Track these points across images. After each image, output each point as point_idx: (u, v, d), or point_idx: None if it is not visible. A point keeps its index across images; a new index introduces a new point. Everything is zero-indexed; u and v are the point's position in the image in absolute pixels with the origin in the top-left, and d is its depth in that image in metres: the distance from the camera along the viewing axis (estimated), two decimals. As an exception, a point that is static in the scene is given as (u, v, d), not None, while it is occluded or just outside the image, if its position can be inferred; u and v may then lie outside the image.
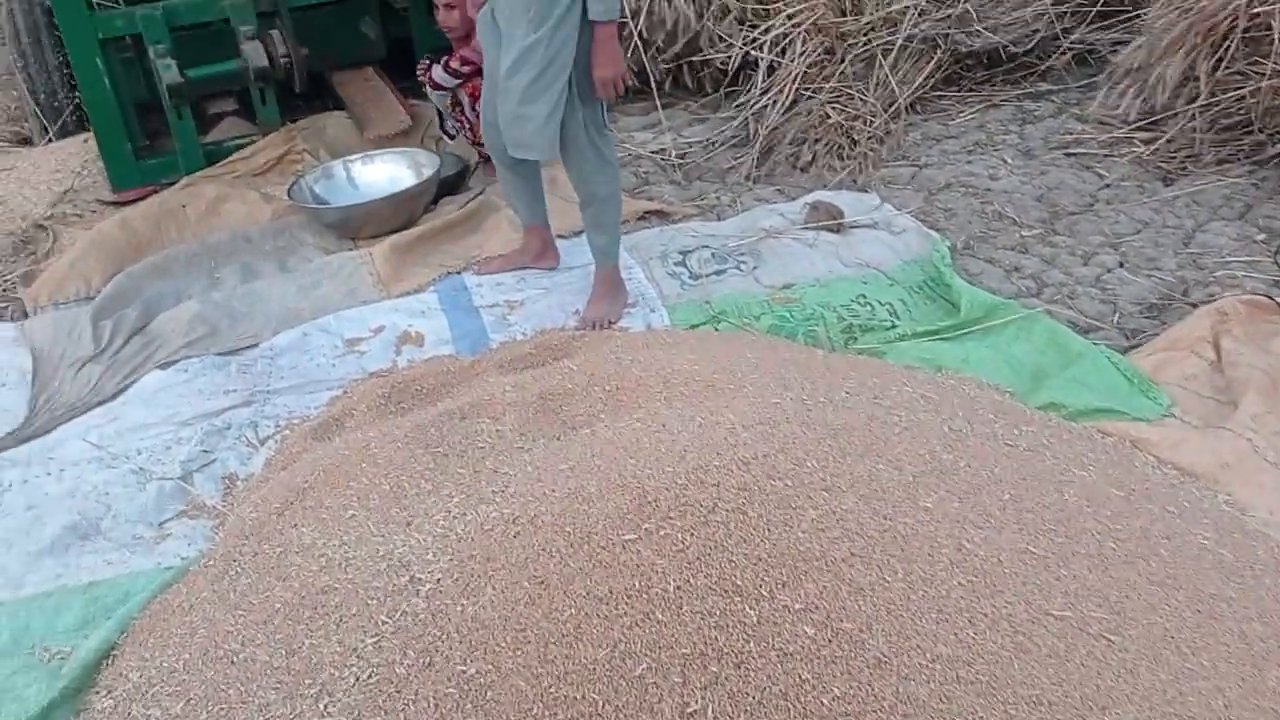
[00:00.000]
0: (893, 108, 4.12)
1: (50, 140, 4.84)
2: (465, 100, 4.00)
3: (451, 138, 4.18)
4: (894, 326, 2.90)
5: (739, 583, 1.47)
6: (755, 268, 3.29)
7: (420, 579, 1.67)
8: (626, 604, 1.48)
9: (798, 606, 1.44)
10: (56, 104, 4.85)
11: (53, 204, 4.36)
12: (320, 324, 3.20)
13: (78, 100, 4.88)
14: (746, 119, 4.15)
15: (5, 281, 3.78)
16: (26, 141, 5.16)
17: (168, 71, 3.99)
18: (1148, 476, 2.14)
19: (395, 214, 3.72)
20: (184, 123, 4.20)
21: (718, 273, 3.27)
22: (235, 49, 4.17)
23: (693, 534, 1.53)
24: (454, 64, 3.90)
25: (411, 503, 1.95)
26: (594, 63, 2.77)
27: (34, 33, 4.76)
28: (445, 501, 1.89)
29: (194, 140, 4.25)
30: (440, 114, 4.19)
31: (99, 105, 4.12)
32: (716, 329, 2.93)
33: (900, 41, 4.22)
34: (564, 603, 1.50)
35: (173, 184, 4.23)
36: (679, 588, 1.47)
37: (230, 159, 4.27)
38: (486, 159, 4.16)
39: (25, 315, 3.51)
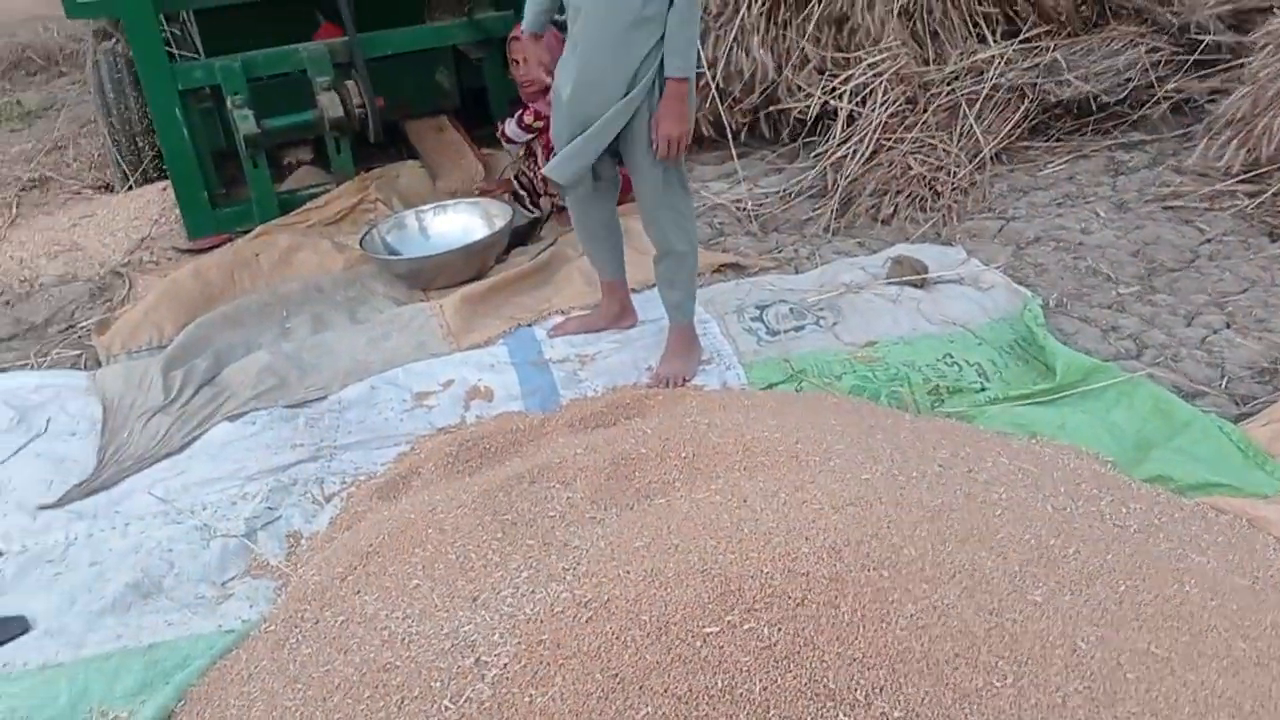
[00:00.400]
0: (977, 158, 3.99)
1: (130, 187, 4.91)
2: (539, 153, 3.96)
3: (522, 201, 4.10)
4: (983, 389, 2.75)
5: (831, 685, 1.35)
6: (835, 324, 3.17)
7: (486, 662, 1.57)
8: (708, 705, 1.36)
9: (897, 715, 1.31)
10: (137, 152, 4.93)
11: (129, 251, 4.40)
12: (388, 377, 3.14)
13: (157, 149, 4.96)
14: (825, 169, 4.04)
15: (81, 329, 3.80)
16: (108, 189, 5.25)
17: (245, 122, 4.02)
18: (1271, 562, 1.97)
19: (467, 265, 3.68)
20: (259, 171, 4.22)
21: (796, 329, 3.15)
22: (311, 99, 4.19)
23: (780, 629, 1.41)
24: (527, 119, 3.87)
25: (478, 575, 1.85)
26: (659, 118, 2.70)
27: (117, 83, 4.85)
28: (514, 576, 1.79)
29: (269, 189, 4.26)
30: (519, 189, 4.13)
31: (177, 154, 4.16)
32: (797, 389, 2.81)
33: (985, 90, 4.09)
34: (639, 699, 1.39)
35: (247, 232, 4.25)
36: (765, 689, 1.35)
37: (304, 208, 4.28)
38: (560, 209, 4.12)
39: (99, 364, 3.51)
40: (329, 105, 4.10)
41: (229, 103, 4.09)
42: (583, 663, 1.46)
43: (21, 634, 2.29)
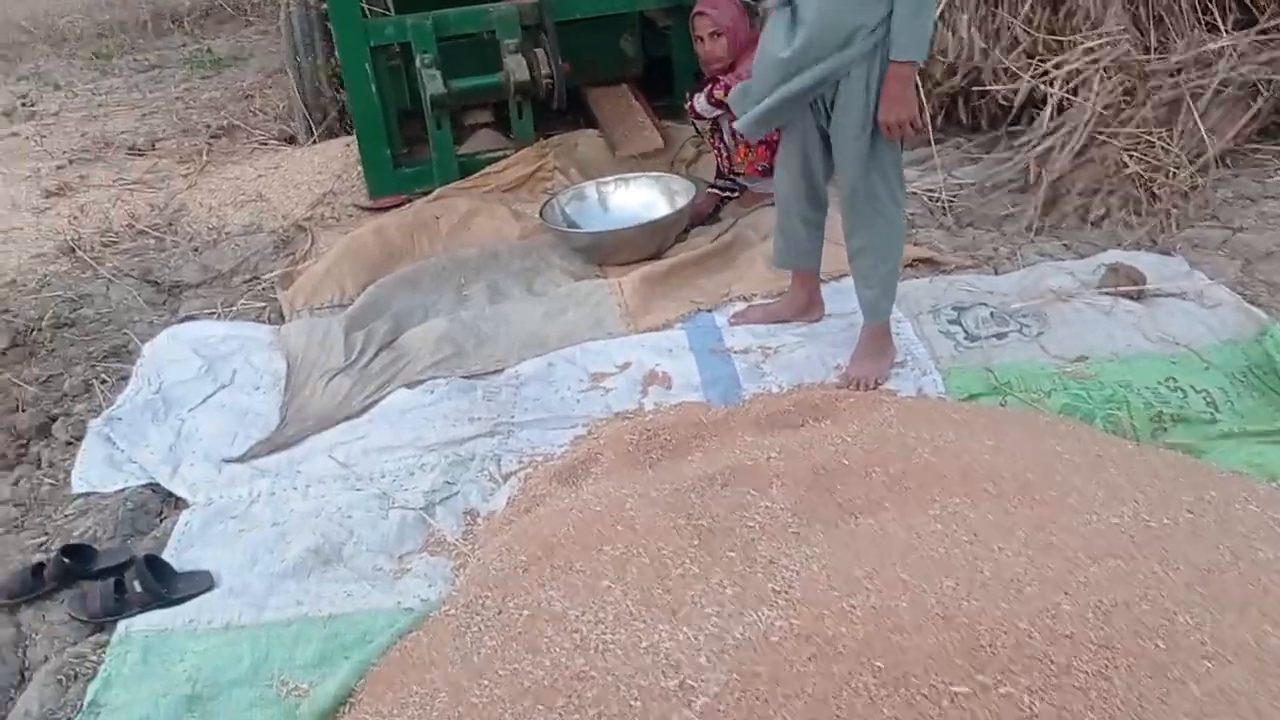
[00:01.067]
0: (1201, 160, 3.67)
1: (314, 141, 4.98)
2: (725, 128, 3.83)
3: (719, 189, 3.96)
4: (1213, 420, 2.51)
5: (1101, 771, 1.20)
6: (1040, 333, 2.95)
7: (693, 687, 1.48)
8: (955, 776, 1.23)
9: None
10: (323, 107, 4.99)
11: (312, 205, 4.46)
12: (566, 355, 3.08)
13: (342, 104, 5.01)
14: (1028, 162, 3.79)
15: (265, 281, 3.86)
16: (291, 140, 5.34)
17: (432, 81, 4.00)
18: None
19: (646, 243, 3.58)
20: (442, 133, 4.20)
21: (998, 336, 2.95)
22: (497, 61, 4.15)
23: (1042, 698, 1.27)
24: (718, 94, 3.73)
25: (676, 585, 1.76)
26: (882, 102, 2.53)
27: (308, 36, 4.91)
28: (717, 592, 1.69)
29: (450, 151, 4.25)
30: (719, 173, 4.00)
31: (364, 111, 4.17)
32: (1002, 403, 2.62)
33: (1213, 85, 3.76)
34: (873, 758, 1.27)
35: (426, 193, 4.25)
36: (1023, 766, 1.21)
37: (483, 172, 4.25)
38: (741, 190, 3.98)
39: (282, 318, 3.56)
40: (515, 68, 4.04)
41: (418, 61, 4.08)
42: (808, 706, 1.35)
43: (207, 590, 2.31)
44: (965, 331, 2.98)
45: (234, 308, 3.67)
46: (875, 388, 2.76)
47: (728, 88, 3.71)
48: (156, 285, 3.92)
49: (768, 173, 3.86)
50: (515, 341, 3.17)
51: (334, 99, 5.00)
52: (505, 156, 4.30)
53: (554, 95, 4.12)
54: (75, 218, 4.53)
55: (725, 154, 3.88)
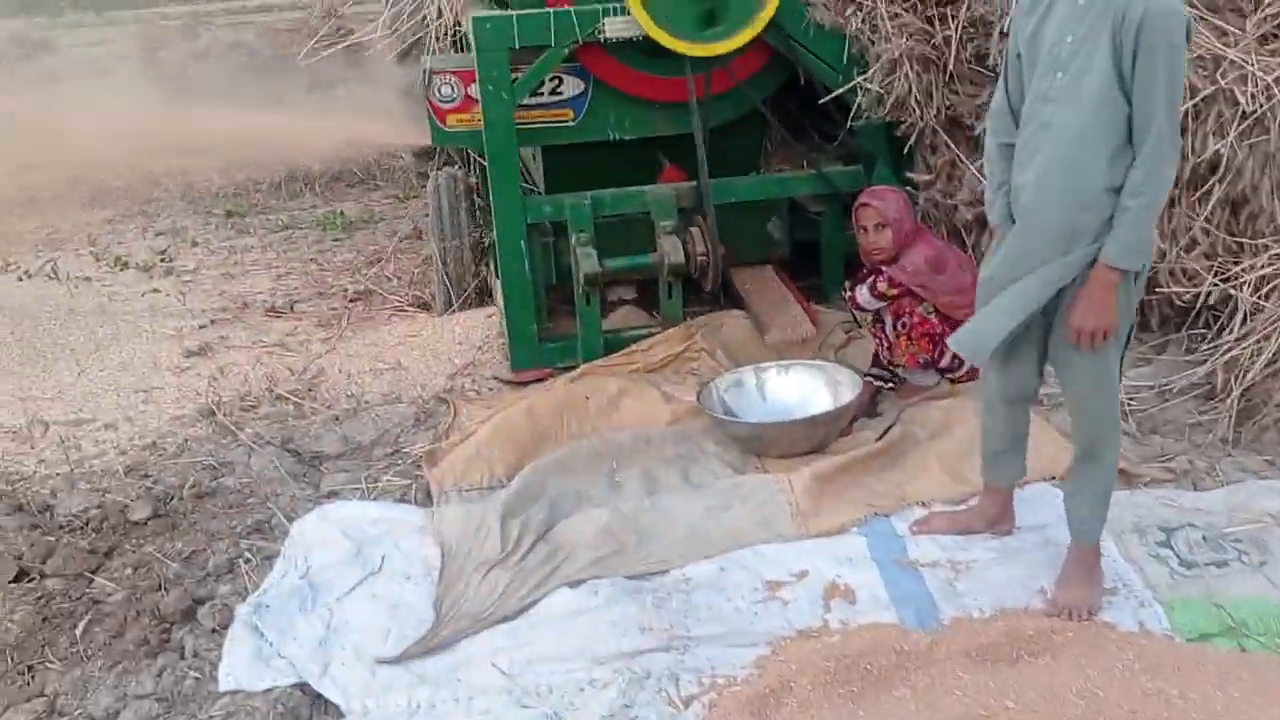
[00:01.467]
0: None
1: (453, 310, 4.96)
2: (888, 320, 3.69)
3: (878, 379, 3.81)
4: None
5: None
6: (1263, 563, 2.68)
7: None
8: None
9: None
10: (464, 277, 4.99)
11: (451, 376, 4.39)
12: (737, 558, 2.88)
13: (482, 276, 5.03)
14: (1215, 368, 3.57)
15: (408, 456, 3.76)
16: (425, 307, 5.36)
17: (588, 260, 3.96)
18: None
19: (810, 437, 3.42)
20: (591, 310, 4.15)
21: (1217, 564, 2.69)
22: (645, 240, 4.11)
23: None
24: (881, 286, 3.62)
25: None
26: (1079, 304, 2.37)
27: (455, 207, 4.96)
28: None
29: (598, 328, 4.18)
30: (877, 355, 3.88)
31: (515, 286, 4.14)
32: (1240, 647, 2.35)
33: None
34: None
35: (569, 368, 4.17)
36: None
37: (629, 350, 4.16)
38: (899, 381, 3.82)
39: (429, 496, 3.43)
40: (671, 250, 3.99)
41: (573, 239, 4.05)
42: None
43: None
44: (1178, 556, 2.73)
45: (378, 484, 3.56)
46: (1089, 618, 2.50)
47: (891, 280, 3.61)
48: (297, 455, 3.84)
49: (928, 365, 3.71)
50: (678, 539, 2.98)
51: (476, 270, 5.01)
52: (650, 335, 4.22)
53: (708, 277, 4.05)
54: (215, 379, 4.53)
55: (886, 344, 3.73)
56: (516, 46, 3.84)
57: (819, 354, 4.07)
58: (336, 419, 4.12)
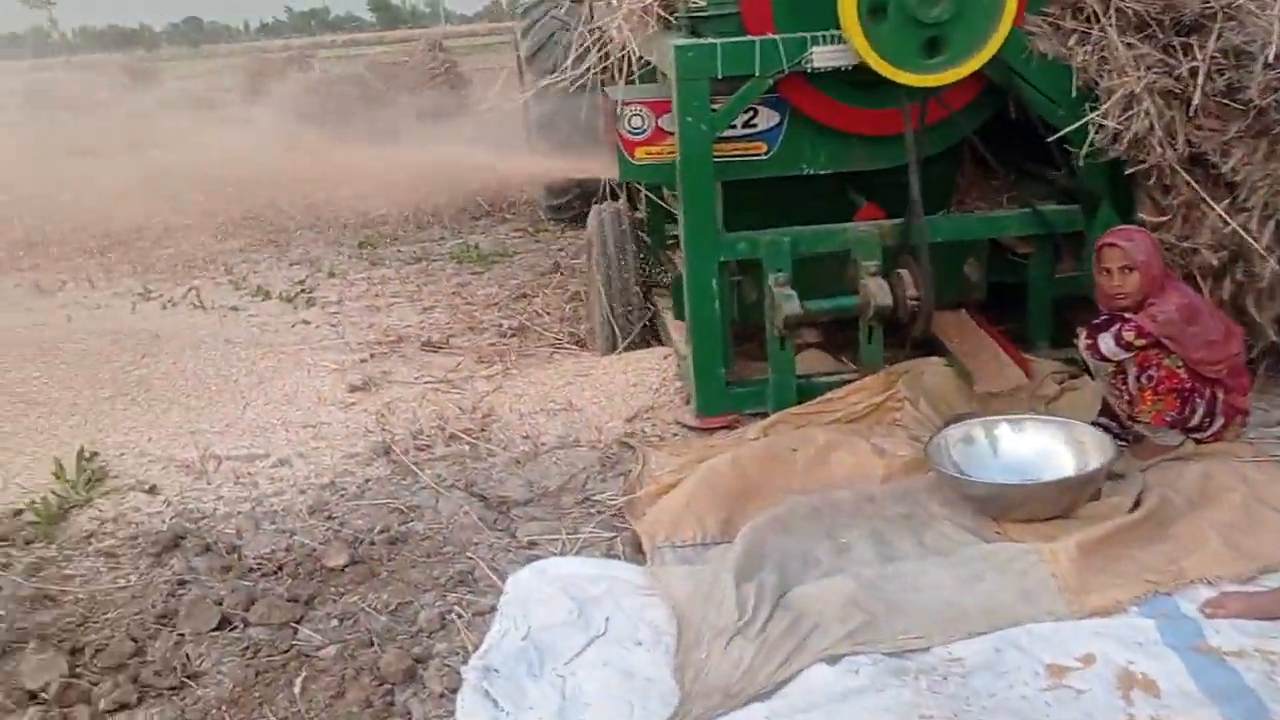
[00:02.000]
0: None
1: (619, 350, 4.76)
2: (1131, 372, 3.39)
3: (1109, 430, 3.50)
4: None
5: None
6: None
7: None
8: None
9: None
10: (629, 315, 4.80)
11: (629, 419, 4.19)
12: (1009, 637, 2.60)
13: (651, 314, 4.83)
14: None
15: (601, 505, 3.55)
16: (580, 344, 5.19)
17: (789, 302, 3.73)
18: None
19: (1057, 501, 3.12)
20: (785, 354, 3.91)
21: None
22: (836, 280, 3.88)
23: None
24: (1128, 335, 3.32)
25: None
26: None
27: (620, 242, 4.79)
28: None
29: (791, 374, 3.94)
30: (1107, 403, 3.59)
31: (705, 327, 3.93)
32: None
33: None
34: None
35: (757, 415, 3.94)
36: None
37: (825, 398, 3.91)
38: (1134, 438, 3.51)
39: (637, 550, 3.21)
40: (878, 292, 3.74)
41: (770, 280, 3.82)
42: None
43: None
44: None
45: (578, 535, 3.35)
46: None
47: (1140, 330, 3.32)
48: (484, 500, 3.65)
49: (1175, 424, 3.40)
50: (933, 612, 2.71)
51: (643, 309, 4.82)
52: (845, 382, 3.97)
53: (917, 323, 3.80)
54: (383, 415, 4.37)
55: (1127, 398, 3.43)
56: (719, 76, 3.64)
57: (1032, 406, 3.78)
58: (517, 462, 3.94)
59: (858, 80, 3.71)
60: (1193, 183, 3.57)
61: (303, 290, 6.56)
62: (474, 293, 6.30)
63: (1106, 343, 3.37)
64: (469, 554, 3.26)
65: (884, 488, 3.35)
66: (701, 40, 3.68)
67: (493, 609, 2.92)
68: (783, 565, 2.94)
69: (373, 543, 3.36)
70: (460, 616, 2.92)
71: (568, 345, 5.22)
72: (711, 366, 3.98)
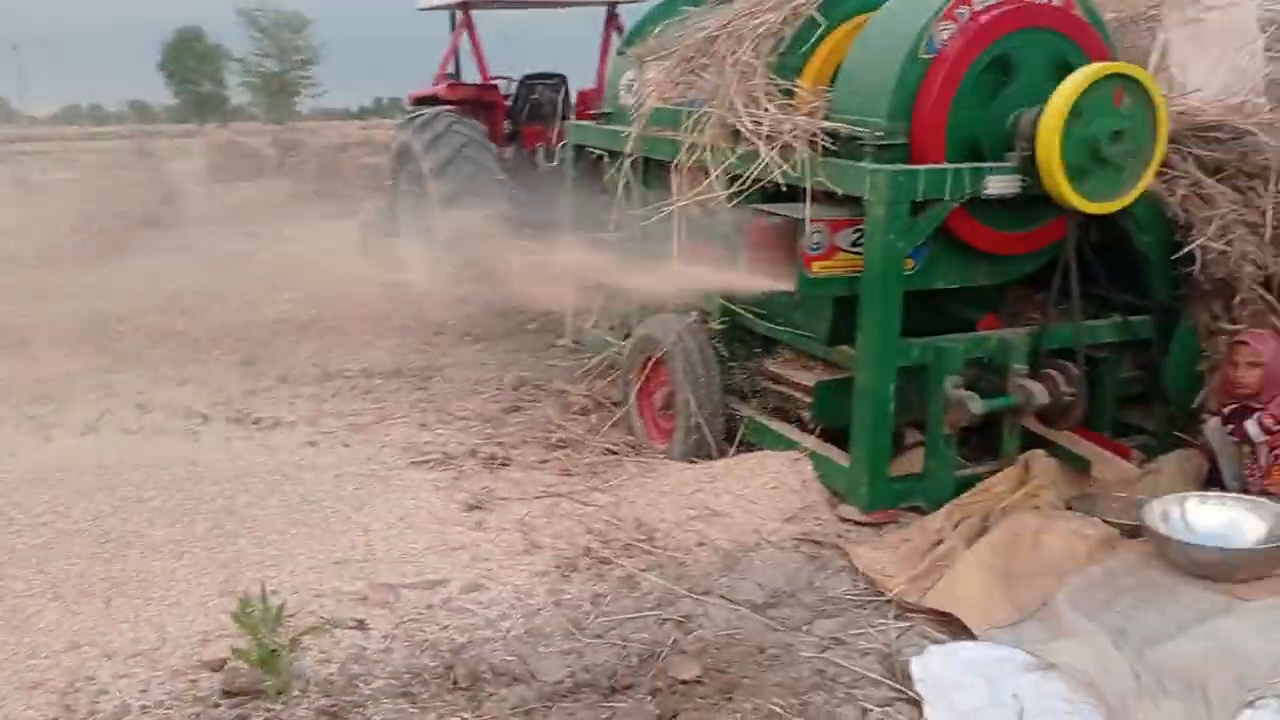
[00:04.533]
0: None
1: (712, 456, 4.87)
2: (1263, 450, 4.08)
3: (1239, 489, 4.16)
4: None
5: None
6: None
7: None
8: None
9: None
10: (714, 425, 4.94)
11: (787, 519, 4.32)
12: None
13: (731, 421, 4.98)
14: None
15: (859, 601, 3.68)
16: (634, 449, 5.23)
17: (973, 402, 4.10)
18: None
19: (1270, 564, 3.67)
20: (950, 451, 4.27)
21: None
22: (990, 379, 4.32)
23: None
24: (1268, 420, 4.02)
25: None
26: None
27: (705, 356, 4.96)
28: None
29: (952, 469, 4.30)
30: (1215, 466, 4.24)
31: (877, 427, 4.21)
32: None
33: None
34: None
35: (914, 509, 4.25)
36: None
37: (980, 488, 4.28)
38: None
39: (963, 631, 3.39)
40: (1037, 393, 4.22)
41: (947, 383, 4.18)
42: None
43: None
44: None
45: (881, 627, 3.46)
46: None
47: (1276, 416, 4.02)
48: (732, 603, 3.66)
49: (1298, 493, 4.11)
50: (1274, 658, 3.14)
51: (728, 416, 4.97)
52: (981, 476, 4.36)
53: (1071, 416, 4.31)
54: (527, 532, 4.22)
55: (1261, 474, 4.10)
56: (920, 199, 4.03)
57: (1147, 486, 4.37)
58: (724, 567, 3.95)
59: (1007, 205, 4.21)
60: (1267, 297, 4.39)
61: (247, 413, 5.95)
62: (451, 407, 6.01)
63: (1252, 428, 4.04)
64: (800, 653, 3.28)
65: (1115, 562, 3.75)
66: (904, 167, 4.04)
67: (889, 701, 2.99)
68: (1121, 632, 3.26)
69: (702, 652, 3.28)
70: (869, 711, 2.95)
71: (625, 452, 5.23)
72: (882, 464, 4.25)
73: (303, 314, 7.88)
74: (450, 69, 9.28)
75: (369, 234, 9.11)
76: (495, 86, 9.07)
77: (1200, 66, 5.32)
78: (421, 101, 8.98)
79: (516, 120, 8.91)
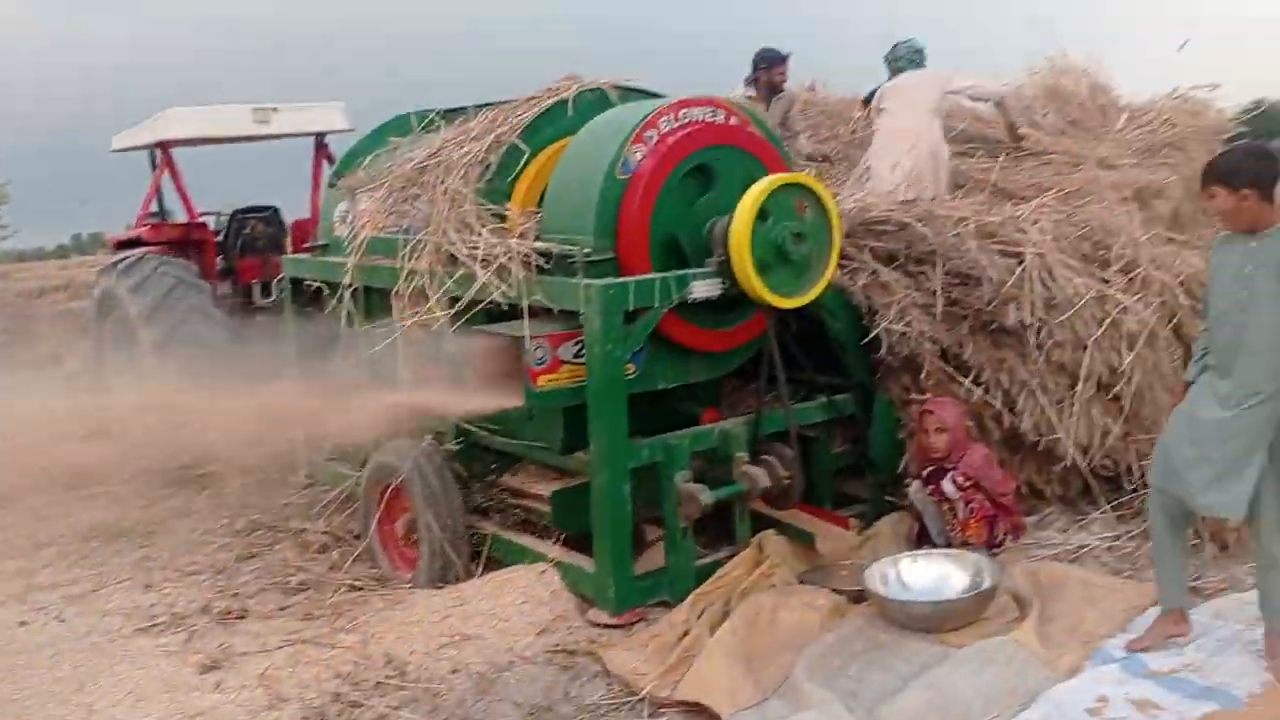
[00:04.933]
0: None
1: (457, 579, 4.85)
2: (959, 506, 4.52)
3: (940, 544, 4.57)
4: None
5: None
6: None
7: None
8: None
9: None
10: (458, 547, 4.93)
11: (540, 633, 4.35)
12: (1051, 698, 3.43)
13: (477, 540, 4.99)
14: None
15: (613, 705, 3.75)
16: (380, 580, 5.12)
17: (705, 494, 4.33)
18: None
19: (976, 609, 4.04)
20: (687, 544, 4.46)
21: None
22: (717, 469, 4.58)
23: None
24: (960, 478, 4.48)
25: None
26: None
27: (443, 479, 4.96)
28: None
29: (692, 559, 4.48)
30: (922, 524, 4.65)
31: (617, 530, 4.34)
32: None
33: None
34: None
35: (661, 604, 4.40)
36: None
37: (718, 575, 4.47)
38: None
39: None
40: (759, 476, 4.50)
41: (677, 478, 4.38)
42: None
43: None
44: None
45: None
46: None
47: (965, 474, 4.48)
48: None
49: (990, 542, 4.56)
50: (987, 699, 3.45)
51: (473, 535, 4.98)
52: (719, 562, 4.58)
53: (789, 495, 4.60)
54: (270, 687, 4.03)
55: (959, 527, 4.53)
56: (632, 308, 4.26)
57: (867, 552, 4.73)
58: (480, 692, 3.92)
59: (712, 306, 4.52)
60: (946, 368, 4.90)
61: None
62: (178, 562, 5.66)
63: (948, 486, 4.49)
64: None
65: (845, 628, 4.02)
66: (614, 280, 4.26)
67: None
68: (854, 695, 3.50)
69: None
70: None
71: (370, 587, 5.11)
72: (625, 564, 4.37)
73: (2, 479, 7.23)
74: (154, 208, 8.92)
75: (74, 384, 8.51)
76: (203, 224, 8.78)
77: (882, 166, 6.03)
78: (124, 245, 8.57)
79: (229, 256, 8.64)
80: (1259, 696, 3.31)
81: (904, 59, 6.56)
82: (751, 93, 6.87)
